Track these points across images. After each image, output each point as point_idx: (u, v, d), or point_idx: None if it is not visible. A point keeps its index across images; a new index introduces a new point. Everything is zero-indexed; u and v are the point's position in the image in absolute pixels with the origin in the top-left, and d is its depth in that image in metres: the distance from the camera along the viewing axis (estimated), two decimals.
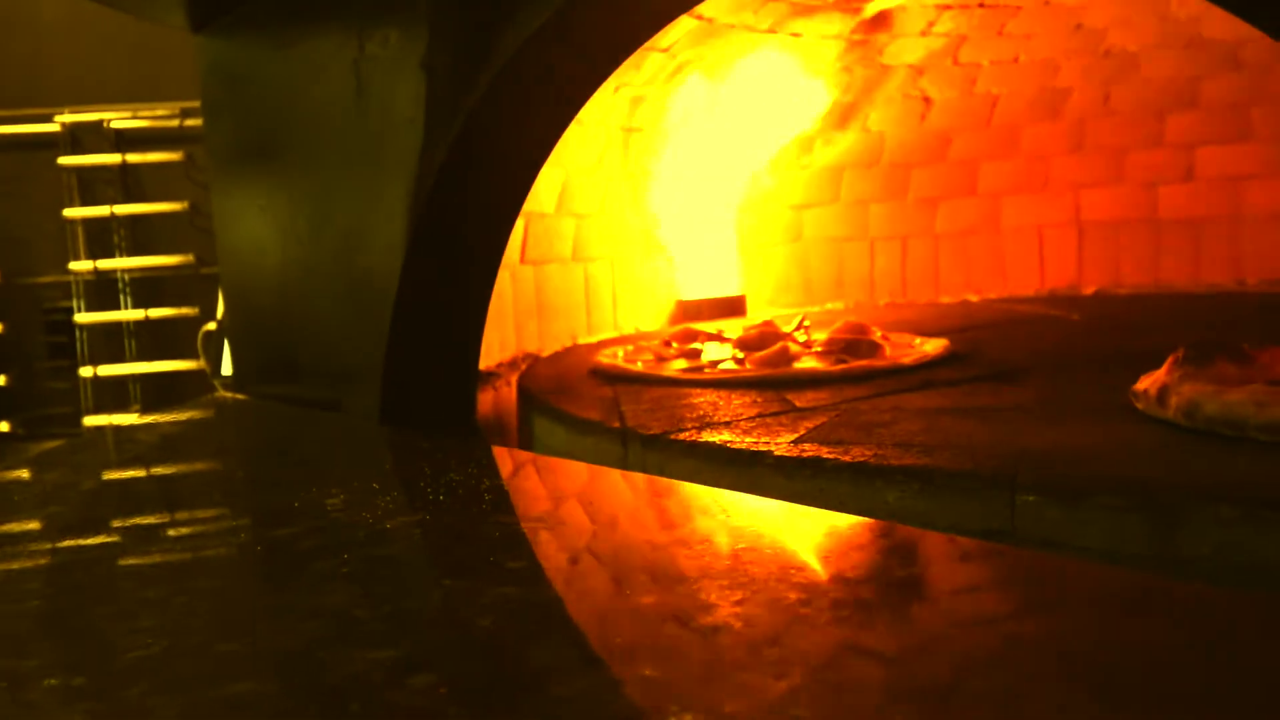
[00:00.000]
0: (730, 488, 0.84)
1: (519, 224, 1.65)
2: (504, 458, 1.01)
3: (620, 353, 1.51)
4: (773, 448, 0.90)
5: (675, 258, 2.17)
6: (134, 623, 0.58)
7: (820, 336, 1.47)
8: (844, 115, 2.18)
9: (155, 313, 3.55)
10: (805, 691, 0.43)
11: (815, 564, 0.62)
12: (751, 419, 1.04)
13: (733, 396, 1.18)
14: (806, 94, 2.07)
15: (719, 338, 1.56)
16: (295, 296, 1.46)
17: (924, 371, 1.28)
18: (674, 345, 1.53)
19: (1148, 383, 0.96)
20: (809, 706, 0.42)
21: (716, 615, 0.52)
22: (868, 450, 0.87)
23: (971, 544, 0.64)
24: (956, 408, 1.04)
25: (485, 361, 1.60)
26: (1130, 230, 2.26)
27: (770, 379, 1.25)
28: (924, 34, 1.96)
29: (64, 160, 3.53)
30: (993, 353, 1.40)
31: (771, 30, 1.81)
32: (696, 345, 1.51)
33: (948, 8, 1.88)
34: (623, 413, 1.11)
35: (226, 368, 2.42)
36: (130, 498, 1.02)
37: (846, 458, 0.85)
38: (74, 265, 3.54)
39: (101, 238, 3.60)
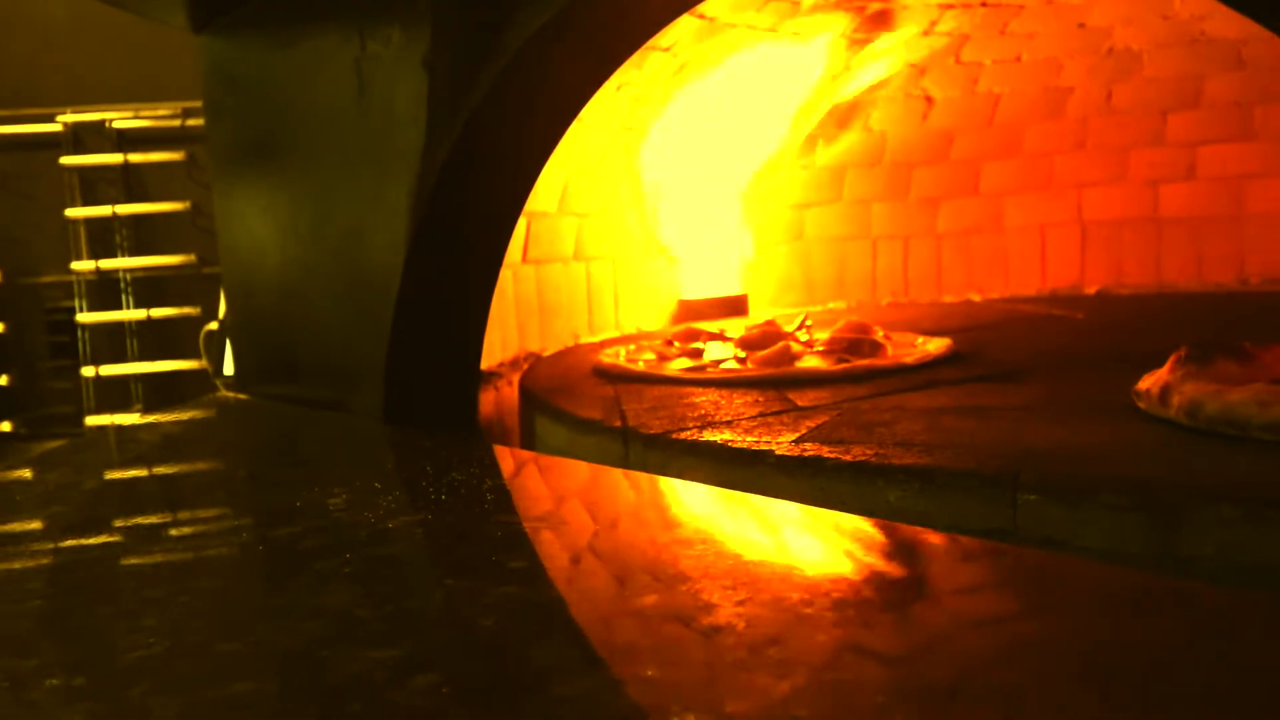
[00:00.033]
0: (731, 487, 0.84)
1: (521, 223, 1.65)
2: (506, 457, 1.01)
3: (622, 352, 1.51)
4: (774, 447, 0.90)
5: (677, 257, 2.17)
6: (135, 622, 0.58)
7: (822, 336, 1.47)
8: (846, 114, 2.18)
9: (157, 312, 3.55)
10: (808, 692, 0.43)
11: (817, 563, 0.62)
12: (753, 418, 1.04)
13: (734, 396, 1.18)
14: (808, 93, 2.07)
15: (721, 337, 1.56)
16: (297, 296, 1.46)
17: (926, 371, 1.27)
18: (676, 344, 1.52)
19: (1150, 382, 0.96)
20: (811, 707, 0.42)
21: (718, 615, 0.52)
22: (869, 449, 0.87)
23: (973, 543, 0.64)
24: (958, 407, 1.04)
25: (487, 361, 1.60)
26: (1133, 229, 2.25)
27: (772, 378, 1.25)
28: (926, 33, 1.96)
29: (66, 160, 3.53)
30: (995, 352, 1.40)
31: (773, 30, 1.81)
32: (698, 344, 1.51)
33: (950, 6, 1.88)
34: (624, 412, 1.11)
35: (228, 367, 2.42)
36: (132, 497, 1.02)
37: (848, 457, 0.85)
38: (76, 265, 3.54)
39: (103, 237, 3.60)
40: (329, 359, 1.41)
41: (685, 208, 2.14)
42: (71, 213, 3.53)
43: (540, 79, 1.21)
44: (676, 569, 0.60)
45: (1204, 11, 1.93)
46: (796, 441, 0.92)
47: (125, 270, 3.59)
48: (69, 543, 0.78)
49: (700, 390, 1.23)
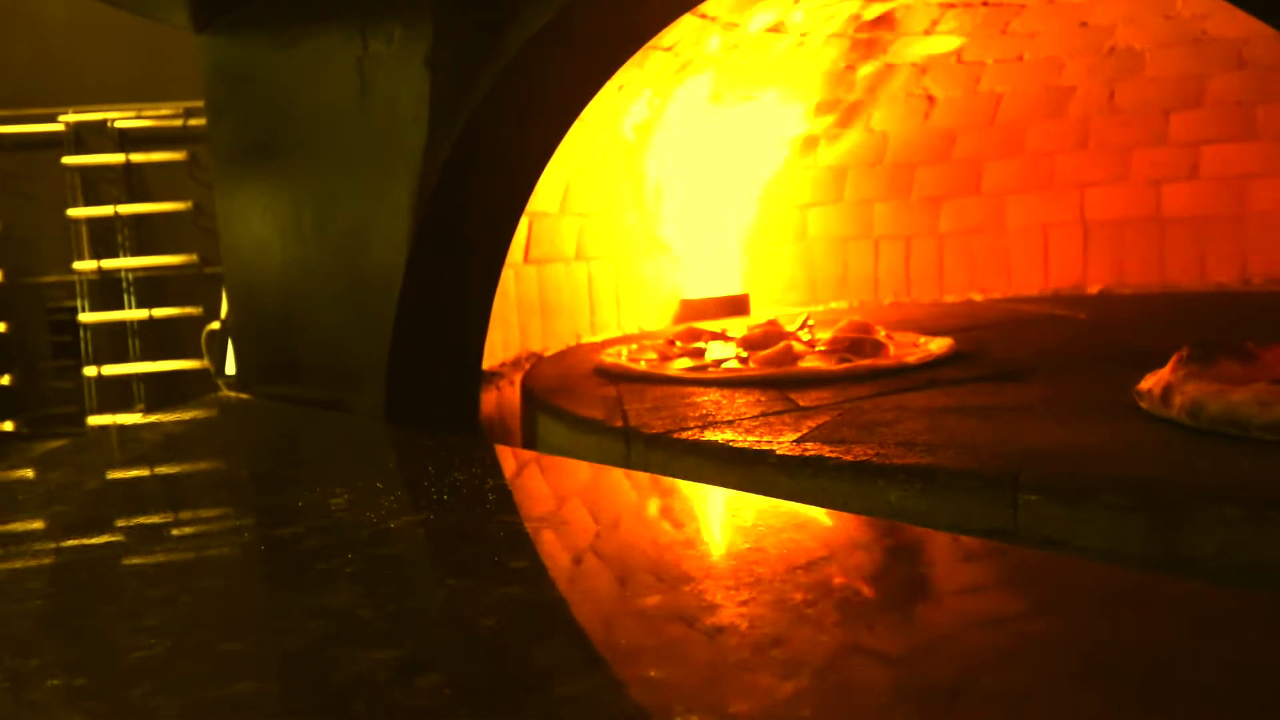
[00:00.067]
0: (733, 487, 0.83)
1: (523, 223, 1.65)
2: (507, 457, 1.01)
3: (624, 352, 1.51)
4: (775, 447, 0.90)
5: (679, 257, 2.17)
6: (137, 622, 0.58)
7: (824, 335, 1.47)
8: (848, 114, 2.18)
9: (159, 312, 3.55)
10: (811, 692, 0.43)
11: (820, 564, 0.62)
12: (754, 418, 1.04)
13: (736, 396, 1.18)
14: (809, 93, 2.07)
15: (723, 337, 1.56)
16: (299, 296, 1.46)
17: (928, 371, 1.27)
18: (678, 344, 1.52)
19: (1152, 382, 0.96)
20: (815, 707, 0.42)
21: (721, 616, 0.52)
22: (870, 449, 0.87)
23: (975, 543, 0.64)
24: (960, 407, 1.04)
25: (489, 361, 1.60)
26: (1135, 229, 2.25)
27: (774, 378, 1.25)
28: (928, 33, 1.95)
29: (68, 160, 3.54)
30: (997, 352, 1.40)
31: (775, 29, 1.81)
32: (700, 344, 1.50)
33: (951, 6, 1.88)
34: (626, 412, 1.11)
35: (230, 367, 2.42)
36: (134, 497, 1.02)
37: (849, 457, 0.85)
38: (78, 265, 3.55)
39: (105, 237, 3.61)
40: (331, 359, 1.41)
41: (687, 207, 2.14)
42: (73, 212, 3.54)
43: (542, 79, 1.21)
44: (679, 569, 0.60)
45: (1206, 11, 1.92)
46: (798, 441, 0.92)
47: (127, 270, 3.59)
48: (71, 542, 0.78)
49: (702, 390, 1.23)
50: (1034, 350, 1.42)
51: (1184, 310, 1.89)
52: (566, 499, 0.86)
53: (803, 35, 1.86)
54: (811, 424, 0.99)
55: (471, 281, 1.33)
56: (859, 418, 1.01)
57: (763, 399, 1.14)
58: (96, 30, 3.54)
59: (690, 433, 0.99)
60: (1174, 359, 0.96)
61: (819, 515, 0.72)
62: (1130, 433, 0.89)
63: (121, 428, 2.04)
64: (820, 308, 2.24)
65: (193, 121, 3.51)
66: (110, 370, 3.56)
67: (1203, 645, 0.48)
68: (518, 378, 1.61)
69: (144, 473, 1.14)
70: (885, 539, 0.67)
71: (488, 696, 0.46)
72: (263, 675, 0.50)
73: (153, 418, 1.61)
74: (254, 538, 0.78)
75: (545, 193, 1.74)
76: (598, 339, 1.91)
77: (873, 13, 1.84)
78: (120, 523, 0.86)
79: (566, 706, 0.44)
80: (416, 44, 1.20)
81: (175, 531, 0.83)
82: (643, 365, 1.40)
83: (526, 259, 1.76)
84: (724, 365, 1.36)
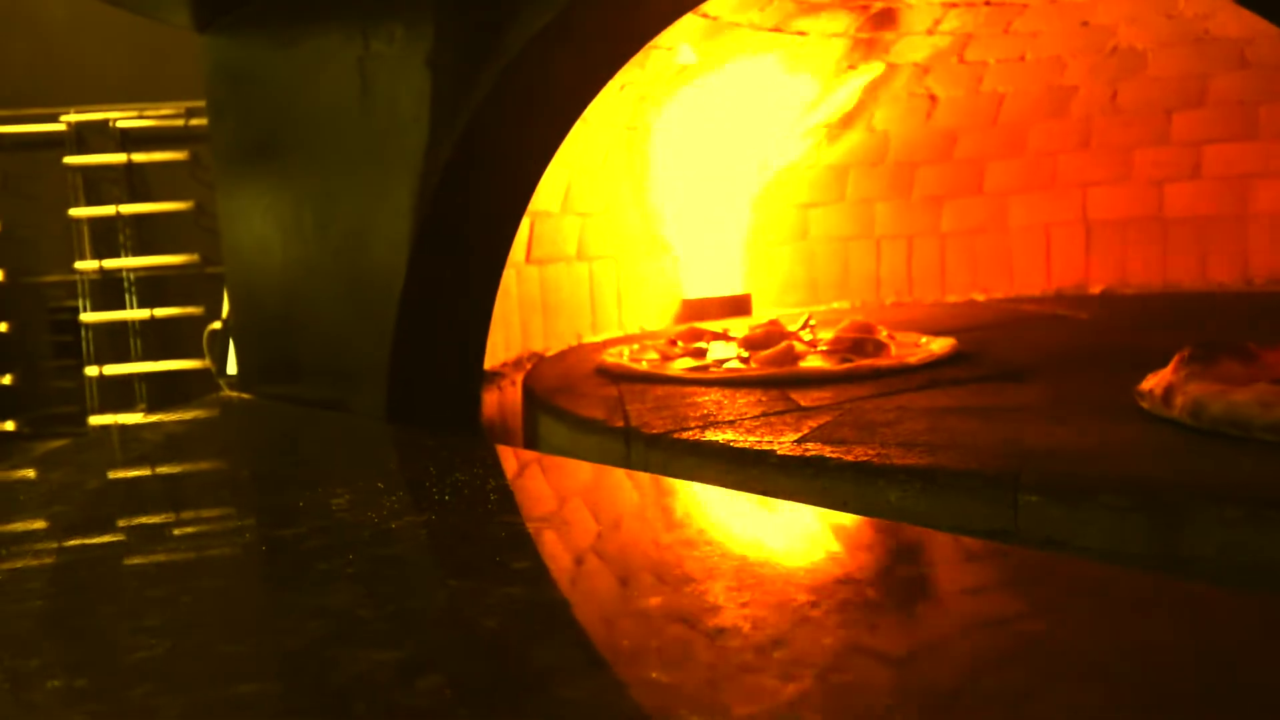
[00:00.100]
0: (733, 487, 0.83)
1: (524, 223, 1.65)
2: (509, 457, 1.01)
3: (625, 352, 1.51)
4: (776, 447, 0.90)
5: (680, 257, 2.17)
6: (138, 622, 0.58)
7: (826, 335, 1.47)
8: (849, 114, 2.18)
9: (160, 312, 3.55)
10: (814, 694, 0.43)
11: (822, 565, 0.62)
12: (755, 418, 1.04)
13: (737, 395, 1.17)
14: (811, 92, 2.07)
15: (724, 337, 1.56)
16: (300, 295, 1.46)
17: (929, 371, 1.27)
18: (679, 344, 1.52)
19: (1153, 382, 0.96)
20: (819, 709, 0.42)
21: (723, 617, 0.52)
22: (870, 450, 0.87)
23: (977, 544, 0.64)
24: (961, 407, 1.04)
25: (490, 361, 1.60)
26: (1137, 229, 2.25)
27: (775, 378, 1.25)
28: (930, 32, 1.95)
29: (69, 160, 3.54)
30: (998, 352, 1.40)
31: (777, 29, 1.81)
32: (701, 344, 1.50)
33: (954, 5, 1.88)
34: (627, 412, 1.11)
35: (231, 367, 2.42)
36: (135, 497, 1.02)
37: (849, 457, 0.85)
38: (79, 264, 3.55)
39: (107, 237, 3.61)
40: (332, 358, 1.41)
41: (688, 207, 2.14)
42: (75, 212, 3.54)
43: (543, 78, 1.21)
44: (680, 570, 0.60)
45: (1208, 10, 1.92)
46: (799, 441, 0.91)
47: (129, 270, 3.60)
48: (72, 542, 0.78)
49: (703, 390, 1.23)
50: (1036, 350, 1.42)
51: (1186, 310, 1.88)
52: (568, 499, 0.86)
53: (805, 34, 1.86)
54: (813, 424, 0.99)
55: (472, 281, 1.33)
56: (860, 418, 1.01)
57: (764, 399, 1.14)
58: (97, 30, 3.54)
59: (691, 433, 0.99)
60: (1175, 359, 0.96)
61: (819, 516, 0.72)
62: (1131, 433, 0.89)
63: (123, 427, 2.05)
64: (822, 308, 2.24)
65: (194, 121, 3.51)
66: (112, 370, 3.56)
67: (1203, 645, 0.48)
68: (519, 378, 1.61)
69: (145, 473, 1.14)
70: (886, 539, 0.67)
71: (488, 697, 0.46)
72: (263, 676, 0.50)
73: (154, 417, 1.61)
74: (255, 538, 0.78)
75: (547, 192, 1.74)
76: (599, 339, 1.91)
77: (876, 9, 1.84)
78: (121, 523, 0.86)
79: (568, 708, 0.44)
80: (418, 44, 1.20)
81: (176, 531, 0.83)
82: (644, 365, 1.40)
83: (528, 259, 1.76)
84: (725, 365, 1.36)
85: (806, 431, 0.95)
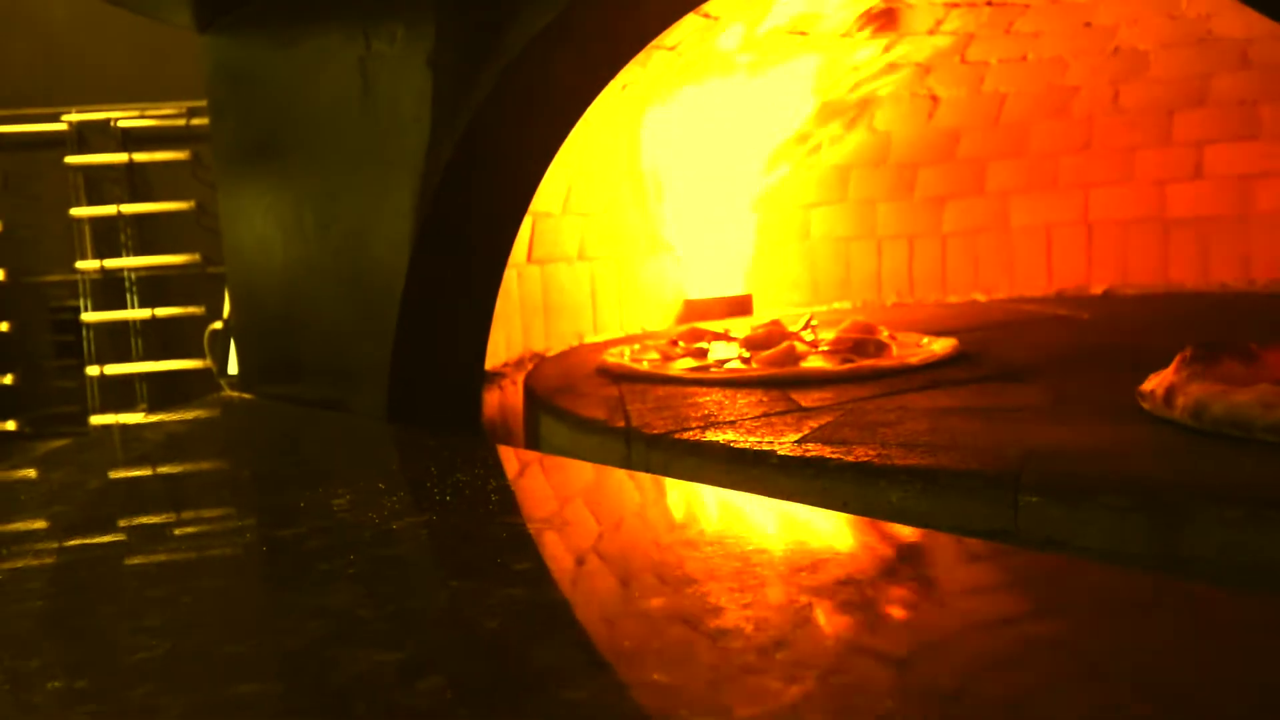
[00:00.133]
0: (734, 487, 0.83)
1: (525, 223, 1.65)
2: (510, 457, 1.01)
3: (626, 352, 1.50)
4: (776, 447, 0.90)
5: (682, 257, 2.17)
6: (138, 623, 0.58)
7: (827, 336, 1.46)
8: (851, 114, 2.18)
9: (162, 312, 3.55)
10: (817, 696, 0.43)
11: (822, 565, 0.61)
12: (756, 418, 1.03)
13: (738, 396, 1.17)
14: (812, 92, 2.06)
15: (726, 337, 1.56)
16: (301, 295, 1.46)
17: (931, 371, 1.27)
18: (680, 344, 1.52)
19: (1155, 383, 0.95)
20: (821, 710, 0.42)
21: (725, 618, 0.52)
22: (871, 450, 0.87)
23: (979, 545, 0.64)
24: (962, 407, 1.04)
25: (491, 361, 1.59)
26: (1139, 229, 2.25)
27: (776, 378, 1.25)
28: (931, 32, 1.95)
29: (71, 159, 3.54)
30: (1000, 352, 1.40)
31: (777, 30, 1.81)
32: (703, 344, 1.50)
33: (955, 5, 1.88)
34: (628, 412, 1.11)
35: (233, 367, 2.42)
36: (136, 497, 1.02)
37: (850, 458, 0.85)
38: (80, 264, 3.55)
39: (108, 237, 3.61)
40: (333, 358, 1.41)
41: (690, 207, 2.14)
42: (76, 212, 3.54)
43: (543, 78, 1.21)
44: (682, 571, 0.60)
45: (1210, 10, 1.92)
46: (799, 442, 0.91)
47: (130, 269, 3.60)
48: (72, 542, 0.78)
49: (704, 390, 1.23)
50: (1037, 351, 1.42)
51: (1187, 311, 1.88)
52: (569, 500, 0.86)
53: (806, 34, 1.86)
54: (813, 424, 0.99)
55: (474, 281, 1.33)
56: (861, 418, 1.01)
57: (765, 399, 1.14)
58: (98, 30, 3.54)
59: (692, 433, 0.98)
60: (1177, 360, 0.96)
61: (821, 516, 0.72)
62: (1132, 434, 0.89)
63: (124, 427, 2.05)
64: (823, 308, 2.24)
65: (195, 121, 3.51)
66: (113, 370, 3.56)
67: (1203, 645, 0.48)
68: (520, 378, 1.60)
69: (146, 472, 1.14)
70: (887, 540, 0.67)
71: (489, 698, 0.46)
72: (264, 676, 0.50)
73: (155, 417, 1.61)
74: (255, 538, 0.78)
75: (548, 193, 1.74)
76: (600, 339, 1.91)
77: (877, 9, 1.84)
78: (122, 523, 0.86)
79: (569, 709, 0.44)
80: (418, 44, 1.20)
81: (177, 531, 0.83)
82: (645, 365, 1.40)
83: (529, 259, 1.76)
84: (726, 365, 1.35)
85: (807, 432, 0.95)
